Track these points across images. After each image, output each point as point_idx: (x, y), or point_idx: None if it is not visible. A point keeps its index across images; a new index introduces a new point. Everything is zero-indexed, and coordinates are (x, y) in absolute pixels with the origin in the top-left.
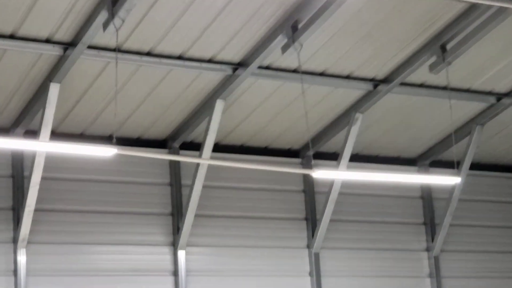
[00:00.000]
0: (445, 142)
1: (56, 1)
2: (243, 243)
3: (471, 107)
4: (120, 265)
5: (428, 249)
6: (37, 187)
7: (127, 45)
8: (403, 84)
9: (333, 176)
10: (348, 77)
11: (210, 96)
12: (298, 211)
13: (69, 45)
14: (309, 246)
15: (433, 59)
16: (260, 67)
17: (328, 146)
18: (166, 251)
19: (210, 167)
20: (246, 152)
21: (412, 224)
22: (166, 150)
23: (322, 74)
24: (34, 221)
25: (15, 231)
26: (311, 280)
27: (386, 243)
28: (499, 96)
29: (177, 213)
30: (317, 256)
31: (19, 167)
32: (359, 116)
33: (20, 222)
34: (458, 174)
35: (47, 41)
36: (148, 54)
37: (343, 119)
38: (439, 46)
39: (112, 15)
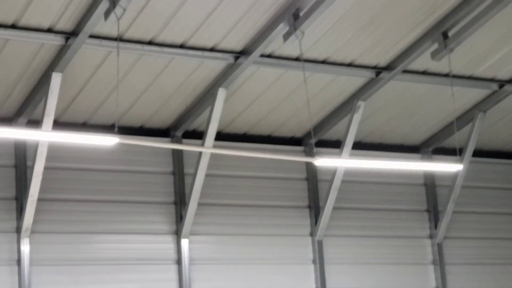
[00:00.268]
0: (448, 129)
1: None
2: (246, 232)
3: (473, 94)
4: (124, 254)
5: (431, 236)
6: (40, 176)
7: (128, 34)
8: (405, 71)
9: (336, 164)
10: (350, 65)
11: (212, 84)
12: (301, 199)
13: (70, 35)
14: (312, 234)
15: (435, 46)
16: (262, 56)
17: (330, 134)
18: (169, 240)
19: (212, 156)
20: (249, 140)
21: (415, 211)
22: (169, 139)
23: (324, 62)
24: (37, 211)
25: (18, 220)
26: (314, 267)
27: (389, 231)
28: (502, 83)
29: (180, 202)
30: (320, 244)
31: (22, 157)
32: (361, 103)
33: (23, 212)
34: (461, 161)
35: (49, 30)
36: (150, 43)
37: (345, 107)
38: (441, 33)
39: (113, 4)
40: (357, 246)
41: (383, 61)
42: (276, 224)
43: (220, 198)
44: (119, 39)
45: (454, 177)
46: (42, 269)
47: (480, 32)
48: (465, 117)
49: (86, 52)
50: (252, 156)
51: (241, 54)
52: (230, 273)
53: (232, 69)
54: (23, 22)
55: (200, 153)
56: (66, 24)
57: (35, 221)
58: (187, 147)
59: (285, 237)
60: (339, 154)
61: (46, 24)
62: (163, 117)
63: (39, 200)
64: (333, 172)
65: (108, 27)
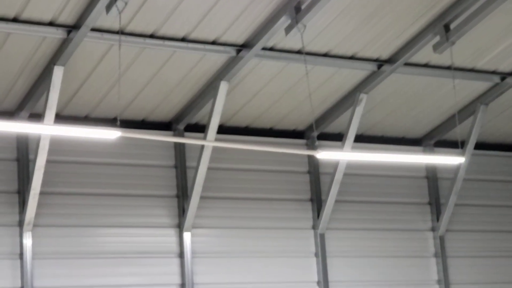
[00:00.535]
0: (450, 122)
1: None
2: (248, 225)
3: (475, 87)
4: (126, 247)
5: (433, 229)
6: (42, 170)
7: (130, 28)
8: (407, 64)
9: (338, 157)
10: (352, 57)
11: (214, 78)
12: (303, 192)
13: (72, 28)
14: (314, 227)
15: (436, 39)
16: (263, 49)
17: (332, 127)
18: (172, 233)
19: (215, 149)
20: (251, 133)
21: (417, 204)
22: (171, 133)
23: (326, 55)
24: (40, 204)
25: (20, 214)
26: (316, 261)
27: (391, 223)
28: (503, 76)
29: (182, 195)
30: (322, 237)
31: (24, 150)
32: (363, 96)
33: (25, 205)
34: (462, 154)
35: (51, 24)
36: (152, 36)
37: (347, 100)
38: (443, 26)
39: None
40: (359, 239)
41: (385, 54)
42: (278, 217)
43: (222, 191)
44: (121, 32)
45: (456, 170)
46: (44, 262)
47: (482, 25)
48: (467, 110)
49: (88, 46)
50: (254, 149)
51: (243, 47)
52: (232, 266)
53: (234, 62)
54: (25, 15)
55: (202, 146)
56: (68, 17)
57: (37, 214)
58: (189, 140)
59: (287, 230)
60: (341, 147)
61: (48, 18)
62: (165, 111)
63: (41, 193)
64: (335, 165)
65: (110, 20)
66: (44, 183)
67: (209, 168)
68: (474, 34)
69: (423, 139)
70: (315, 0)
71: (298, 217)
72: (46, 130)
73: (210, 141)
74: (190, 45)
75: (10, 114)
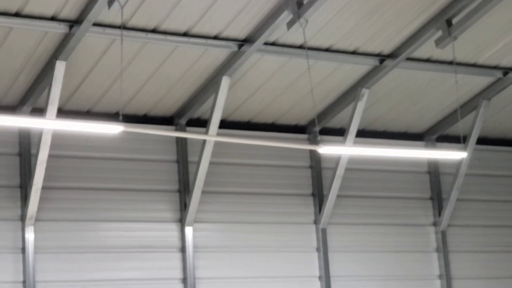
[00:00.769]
0: (452, 117)
1: None
2: (250, 219)
3: (477, 82)
4: (128, 242)
5: (435, 224)
6: (44, 164)
7: (132, 22)
8: (409, 59)
9: (340, 152)
10: (354, 52)
11: (216, 72)
12: (305, 187)
13: (74, 23)
14: (316, 222)
15: (439, 33)
16: (265, 44)
17: (334, 121)
18: (174, 227)
19: (216, 144)
20: (253, 128)
21: (419, 199)
22: (173, 127)
23: (327, 50)
24: (42, 199)
25: (22, 208)
26: (318, 255)
27: (393, 218)
28: (506, 71)
29: (184, 190)
30: (324, 231)
31: (26, 145)
32: (365, 91)
33: (27, 199)
34: (465, 149)
35: (53, 18)
36: (154, 31)
37: (349, 95)
38: (445, 21)
39: None
40: (361, 234)
41: (387, 49)
42: (280, 212)
43: (224, 186)
44: (123, 27)
45: (458, 164)
46: (46, 257)
47: (484, 20)
48: (469, 105)
49: (90, 40)
50: (256, 144)
51: (245, 42)
52: (234, 260)
53: (236, 57)
54: (26, 10)
55: (204, 141)
56: (70, 12)
57: (39, 209)
58: (191, 135)
59: (289, 225)
60: (343, 142)
61: (49, 12)
62: (167, 105)
63: (43, 188)
64: (337, 160)
65: (112, 15)
66: (46, 177)
67: (211, 163)
68: (476, 29)
69: (425, 134)
70: None
71: (300, 211)
72: (48, 125)
73: (212, 136)
74: (192, 40)
75: (12, 108)
